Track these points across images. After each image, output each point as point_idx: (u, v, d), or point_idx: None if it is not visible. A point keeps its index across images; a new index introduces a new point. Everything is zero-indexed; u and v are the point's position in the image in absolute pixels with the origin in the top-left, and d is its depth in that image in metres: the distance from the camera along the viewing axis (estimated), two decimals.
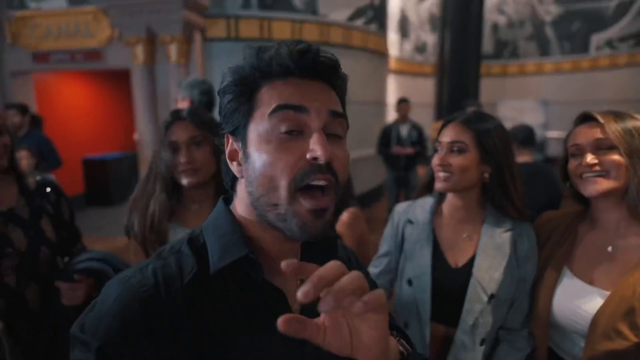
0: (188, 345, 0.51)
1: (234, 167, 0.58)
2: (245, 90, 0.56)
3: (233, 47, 4.67)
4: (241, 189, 0.58)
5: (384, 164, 4.75)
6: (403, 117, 4.59)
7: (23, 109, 3.69)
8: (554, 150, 9.51)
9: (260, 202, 0.54)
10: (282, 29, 4.76)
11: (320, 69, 0.56)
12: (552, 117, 9.72)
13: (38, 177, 1.34)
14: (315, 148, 0.51)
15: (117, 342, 0.48)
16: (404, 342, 0.60)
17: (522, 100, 10.14)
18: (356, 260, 0.75)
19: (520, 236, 1.07)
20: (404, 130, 4.52)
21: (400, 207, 1.21)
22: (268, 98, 0.54)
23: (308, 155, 0.51)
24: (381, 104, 6.64)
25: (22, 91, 5.13)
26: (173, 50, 4.46)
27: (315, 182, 0.52)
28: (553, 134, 9.64)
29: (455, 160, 1.03)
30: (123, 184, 6.31)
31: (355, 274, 0.43)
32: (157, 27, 4.42)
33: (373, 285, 0.73)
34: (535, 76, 10.61)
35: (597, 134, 0.92)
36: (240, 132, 0.56)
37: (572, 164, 0.98)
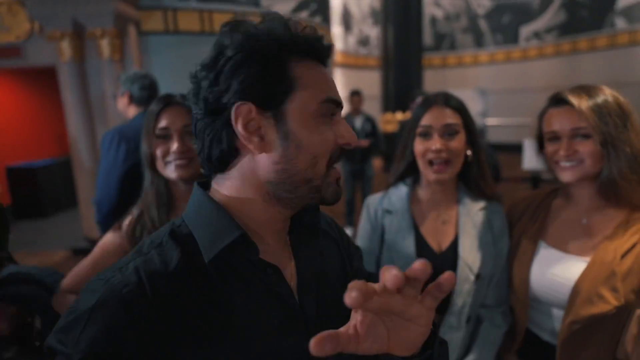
0: (184, 341, 0.49)
1: (251, 140, 0.53)
2: (279, 64, 0.54)
3: (172, 41, 4.40)
4: (247, 166, 0.55)
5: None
6: (356, 109, 4.59)
7: None
8: (494, 136, 10.07)
9: (294, 179, 0.54)
10: (223, 21, 4.55)
11: (329, 57, 0.60)
12: (489, 106, 10.27)
13: None
14: (348, 136, 0.57)
15: (103, 352, 0.45)
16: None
17: (462, 90, 10.62)
18: (336, 226, 0.76)
19: (493, 214, 1.08)
20: (358, 122, 4.53)
21: (373, 199, 1.16)
22: (314, 82, 0.55)
23: (340, 140, 0.56)
24: None
25: None
26: (105, 45, 4.10)
27: (336, 164, 0.58)
28: (491, 121, 10.20)
29: (453, 144, 1.00)
30: (56, 192, 5.78)
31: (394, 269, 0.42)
32: (85, 20, 4.04)
33: (357, 250, 0.77)
34: (473, 67, 11.17)
35: (573, 122, 0.93)
36: (272, 105, 0.54)
37: (549, 148, 0.99)
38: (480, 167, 1.07)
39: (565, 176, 0.96)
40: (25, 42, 4.28)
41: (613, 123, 0.90)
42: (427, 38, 10.92)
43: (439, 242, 1.06)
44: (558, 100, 0.98)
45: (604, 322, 0.89)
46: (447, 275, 0.43)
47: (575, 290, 0.92)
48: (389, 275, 0.40)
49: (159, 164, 1.00)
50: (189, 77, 0.56)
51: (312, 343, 0.39)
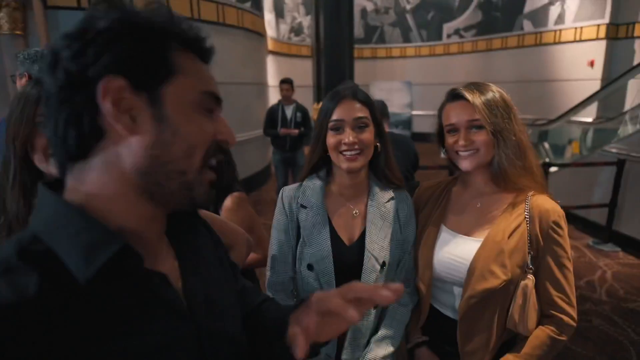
0: None
1: (120, 121, 0.47)
2: (159, 44, 0.51)
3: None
4: (112, 151, 0.48)
5: (272, 145, 4.71)
6: (285, 97, 4.57)
7: None
8: (419, 126, 10.64)
9: (166, 168, 0.50)
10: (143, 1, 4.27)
11: (210, 54, 0.57)
12: (415, 97, 10.82)
13: None
14: (226, 133, 0.56)
15: None
16: None
17: (391, 81, 11.05)
18: (210, 229, 0.73)
19: (400, 203, 1.14)
20: (289, 111, 4.52)
21: (288, 192, 1.16)
22: (195, 72, 0.53)
23: (219, 137, 0.54)
24: (262, 84, 6.53)
25: None
26: (3, 18, 3.65)
27: (212, 162, 0.55)
28: (417, 112, 10.76)
29: (364, 136, 1.04)
30: None
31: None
32: None
33: (231, 265, 0.74)
34: (400, 59, 11.65)
35: (469, 114, 1.03)
36: (148, 86, 0.49)
37: (449, 140, 1.08)
38: (387, 157, 1.13)
39: (465, 164, 1.06)
40: None
41: (500, 115, 1.01)
42: (358, 30, 11.16)
43: (349, 235, 1.11)
44: (454, 96, 1.07)
45: (495, 295, 1.00)
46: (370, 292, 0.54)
47: (471, 268, 1.03)
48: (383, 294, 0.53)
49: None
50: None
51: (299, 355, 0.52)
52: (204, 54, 0.56)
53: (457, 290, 1.08)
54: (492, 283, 0.99)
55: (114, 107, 0.46)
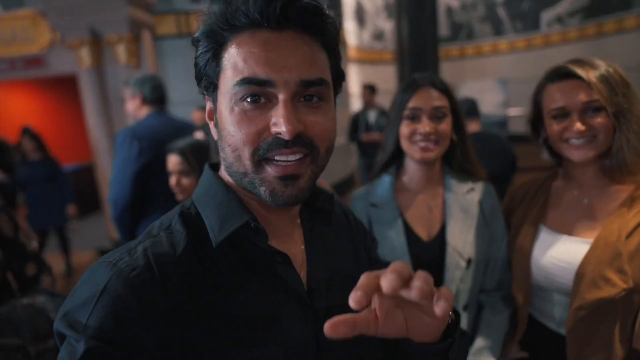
0: (190, 325, 0.48)
1: (212, 128, 0.55)
2: (212, 44, 0.51)
3: (186, 43, 4.47)
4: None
5: (357, 151, 4.74)
6: (367, 103, 4.56)
7: None
8: (515, 127, 9.79)
9: (233, 170, 0.52)
10: None
11: (294, 17, 0.48)
12: (511, 96, 9.99)
13: None
14: (279, 122, 0.48)
15: (112, 336, 0.43)
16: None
17: (482, 80, 10.38)
18: (354, 217, 0.73)
19: (482, 194, 1.04)
20: (372, 116, 4.50)
21: (359, 193, 1.14)
22: (234, 60, 0.49)
23: (272, 129, 0.48)
24: (344, 93, 6.59)
25: None
26: (121, 51, 4.21)
27: (279, 157, 0.49)
28: (513, 111, 9.93)
29: (441, 127, 0.98)
30: (81, 197, 5.97)
31: (398, 268, 0.41)
32: (101, 27, 4.16)
33: (373, 241, 0.74)
34: (492, 56, 10.88)
35: (585, 95, 0.87)
36: (211, 93, 0.53)
37: (555, 127, 0.93)
38: (465, 151, 1.04)
39: (579, 154, 0.90)
40: (47, 52, 4.44)
41: (622, 93, 0.85)
42: (443, 29, 10.72)
43: (427, 230, 1.03)
44: (562, 74, 0.92)
45: (612, 307, 0.84)
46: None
47: (579, 274, 0.88)
48: (385, 280, 0.40)
49: None
50: None
51: (327, 325, 0.40)
52: (265, 20, 0.48)
53: (560, 298, 0.94)
54: (608, 292, 0.83)
55: (208, 117, 0.56)
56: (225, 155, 0.52)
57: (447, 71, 9.44)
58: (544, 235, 0.99)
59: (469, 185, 1.05)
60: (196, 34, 0.52)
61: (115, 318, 0.44)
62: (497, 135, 2.70)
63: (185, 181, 1.50)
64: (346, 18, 7.60)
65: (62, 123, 6.82)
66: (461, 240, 0.99)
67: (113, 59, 4.28)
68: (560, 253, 0.94)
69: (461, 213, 1.02)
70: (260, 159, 0.49)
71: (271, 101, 0.49)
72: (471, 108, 2.73)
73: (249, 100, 0.48)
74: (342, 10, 6.53)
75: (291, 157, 0.49)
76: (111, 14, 4.06)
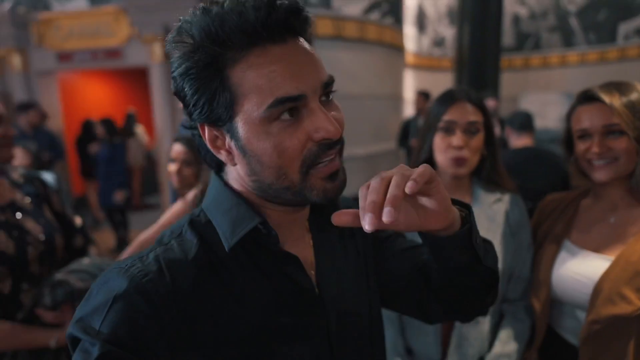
0: (202, 330, 0.49)
1: (222, 155, 0.54)
2: (213, 74, 0.48)
3: None
4: (235, 172, 0.55)
5: (406, 157, 4.74)
6: (420, 110, 4.54)
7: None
8: None
9: (273, 189, 0.52)
10: None
11: (294, 24, 0.49)
12: None
13: (22, 171, 1.31)
14: (324, 127, 0.48)
15: (125, 340, 0.45)
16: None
17: (546, 93, 9.86)
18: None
19: (510, 205, 1.06)
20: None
21: None
22: (256, 84, 0.47)
23: (316, 136, 0.48)
24: (398, 98, 6.57)
25: (48, 90, 5.31)
26: (158, 49, 4.55)
27: (327, 159, 0.50)
28: None
29: (473, 142, 1.01)
30: (143, 180, 6.45)
31: (398, 173, 0.45)
32: (173, 25, 4.48)
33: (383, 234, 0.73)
34: (559, 68, 10.29)
35: (605, 119, 0.90)
36: (225, 124, 0.51)
37: (580, 147, 0.97)
38: (495, 165, 1.07)
39: (599, 175, 0.93)
40: (125, 45, 4.86)
41: None
42: (508, 38, 10.31)
43: None
44: (587, 98, 0.95)
45: (626, 325, 0.86)
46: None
47: (597, 289, 0.90)
48: (406, 186, 0.43)
49: None
50: None
51: (333, 215, 0.46)
52: (269, 35, 0.46)
53: (578, 312, 0.96)
54: (623, 309, 0.85)
55: (213, 147, 0.53)
56: (264, 177, 0.51)
57: (508, 81, 9.07)
58: (567, 249, 1.01)
59: (496, 195, 1.07)
60: (177, 72, 0.49)
61: (128, 323, 0.45)
62: (550, 151, 2.62)
63: (186, 171, 1.59)
64: (406, 23, 7.57)
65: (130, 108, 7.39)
66: None
67: None
68: (581, 268, 0.95)
69: (486, 222, 1.04)
70: (308, 169, 0.50)
71: (300, 111, 0.49)
72: (525, 121, 2.67)
73: (284, 117, 0.48)
74: (402, 15, 6.53)
75: (333, 157, 0.51)
76: (182, 13, 4.36)
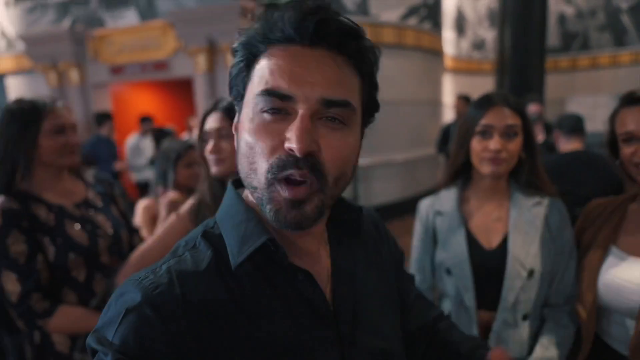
0: (211, 343, 0.48)
1: (236, 139, 0.54)
2: (248, 55, 0.51)
3: None
4: None
5: (446, 162, 4.67)
6: (459, 114, 4.47)
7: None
8: None
9: (247, 182, 0.51)
10: None
11: (327, 36, 0.48)
12: None
13: (94, 173, 1.44)
14: (292, 137, 0.45)
15: (134, 353, 0.45)
16: None
17: (595, 95, 9.37)
18: (383, 227, 0.72)
19: (550, 209, 1.05)
20: None
21: (425, 202, 1.21)
22: (262, 71, 0.49)
23: (285, 144, 0.46)
24: (436, 103, 6.49)
25: (101, 101, 5.68)
26: (201, 61, 4.75)
27: (291, 177, 0.47)
28: None
29: (511, 146, 1.02)
30: None
31: None
32: (217, 37, 4.70)
33: (401, 255, 0.74)
34: (610, 69, 9.76)
35: None
36: (238, 102, 0.54)
37: (626, 151, 0.95)
38: (534, 167, 1.06)
39: None
40: (171, 57, 5.13)
41: None
42: (554, 38, 9.90)
43: (489, 239, 1.07)
44: (633, 100, 0.93)
45: None
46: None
47: None
48: None
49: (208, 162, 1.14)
50: None
51: None
52: (298, 35, 0.48)
53: (626, 319, 0.93)
54: None
55: (234, 130, 0.55)
56: (242, 166, 0.51)
57: (554, 84, 8.71)
58: (614, 255, 0.98)
59: (535, 199, 1.06)
60: (235, 44, 0.53)
61: (138, 335, 0.45)
62: (601, 155, 2.51)
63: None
64: (445, 27, 7.47)
65: (177, 119, 7.74)
66: (523, 251, 1.02)
67: (225, 65, 4.79)
68: (629, 274, 0.93)
69: (525, 225, 1.03)
70: (273, 178, 0.47)
71: (290, 114, 0.48)
72: (575, 125, 2.56)
73: (269, 112, 0.48)
74: (440, 19, 6.45)
75: (297, 178, 0.47)
76: (225, 25, 4.57)
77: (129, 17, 5.24)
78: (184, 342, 0.47)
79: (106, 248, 1.28)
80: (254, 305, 0.51)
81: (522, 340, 1.04)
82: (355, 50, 0.50)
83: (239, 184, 0.59)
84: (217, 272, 0.51)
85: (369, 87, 0.54)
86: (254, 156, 0.49)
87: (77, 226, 1.22)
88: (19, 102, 1.21)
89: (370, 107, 0.55)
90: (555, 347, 1.01)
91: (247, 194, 0.56)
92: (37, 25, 5.56)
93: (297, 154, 0.45)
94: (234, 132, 0.56)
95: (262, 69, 0.49)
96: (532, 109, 3.50)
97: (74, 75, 5.42)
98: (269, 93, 0.47)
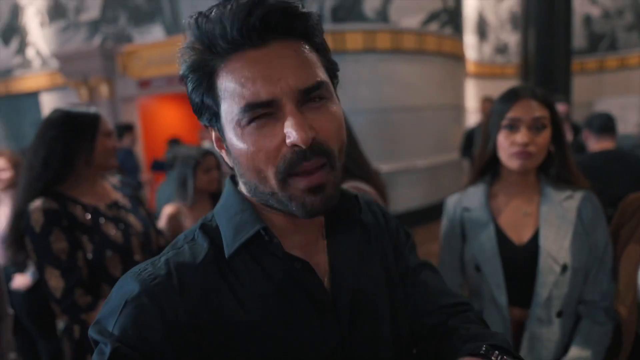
0: (209, 333, 0.49)
1: (224, 155, 0.56)
2: (203, 76, 0.50)
3: None
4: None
5: (470, 167, 4.60)
6: (485, 116, 4.41)
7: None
8: None
9: (258, 192, 0.52)
10: (354, 40, 4.87)
11: (276, 26, 0.48)
12: None
13: (119, 177, 1.53)
14: (291, 133, 0.46)
15: (133, 342, 0.46)
16: None
17: (625, 96, 9.06)
18: (383, 213, 0.69)
19: (582, 202, 1.02)
20: None
21: (452, 199, 1.19)
22: (231, 89, 0.48)
23: (287, 141, 0.47)
24: (459, 108, 6.41)
25: (129, 114, 5.88)
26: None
27: (304, 169, 0.47)
28: None
29: (539, 139, 1.00)
30: None
31: None
32: None
33: (407, 237, 0.69)
34: None
35: None
36: (214, 123, 0.53)
37: None
38: (565, 161, 1.03)
39: None
40: None
41: None
42: (579, 40, 9.67)
43: (520, 234, 1.05)
44: None
45: None
46: None
47: None
48: None
49: None
50: None
51: None
52: (249, 39, 0.46)
53: None
54: None
55: (217, 146, 0.56)
56: (248, 179, 0.51)
57: (582, 86, 8.48)
58: None
59: (567, 193, 1.03)
60: (181, 71, 0.52)
61: (136, 325, 0.46)
62: (634, 154, 2.42)
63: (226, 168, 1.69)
64: (466, 32, 7.40)
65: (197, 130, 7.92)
66: (556, 246, 0.99)
67: None
68: None
69: (557, 219, 1.01)
70: (284, 177, 0.48)
71: (276, 113, 0.48)
72: (605, 123, 2.49)
73: (255, 123, 0.48)
74: (462, 24, 6.41)
75: (310, 169, 0.48)
76: None
77: (156, 33, 5.43)
78: (182, 331, 0.48)
79: (139, 246, 1.33)
80: (251, 295, 0.51)
81: (557, 338, 1.00)
82: (303, 30, 0.50)
83: (235, 179, 0.60)
84: (213, 262, 0.52)
85: (324, 53, 0.54)
86: (258, 165, 0.49)
87: (112, 225, 1.28)
88: (64, 111, 1.28)
89: (332, 70, 0.55)
90: (592, 345, 0.98)
91: (241, 189, 0.57)
92: (70, 43, 5.83)
93: (302, 145, 0.46)
94: (217, 149, 0.56)
95: (229, 85, 0.48)
96: (559, 109, 3.41)
97: (103, 89, 5.64)
98: (252, 107, 0.47)
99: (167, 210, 1.90)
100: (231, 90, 0.48)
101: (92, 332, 0.49)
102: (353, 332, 0.55)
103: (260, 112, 0.47)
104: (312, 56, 0.51)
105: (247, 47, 0.47)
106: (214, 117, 0.52)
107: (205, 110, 0.52)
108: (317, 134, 0.48)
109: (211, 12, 0.48)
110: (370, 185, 1.29)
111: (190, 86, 0.52)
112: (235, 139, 0.49)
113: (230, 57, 0.48)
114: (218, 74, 0.49)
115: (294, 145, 0.46)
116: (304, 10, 0.49)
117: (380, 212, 0.69)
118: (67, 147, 1.23)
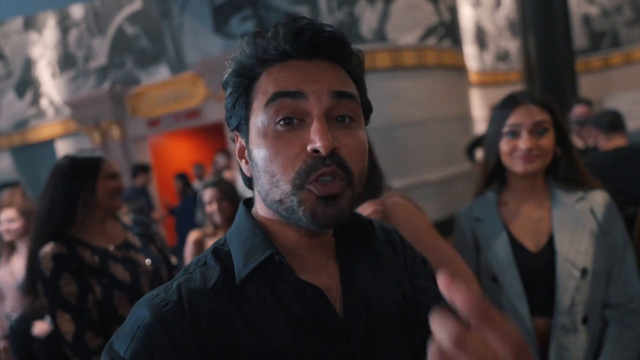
0: (218, 357, 0.48)
1: (243, 165, 0.56)
2: (243, 80, 0.53)
3: None
4: (257, 192, 0.57)
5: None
6: None
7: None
8: None
9: (269, 200, 0.52)
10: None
11: (322, 46, 0.51)
12: None
13: (131, 216, 1.56)
14: (315, 138, 0.47)
15: None
16: None
17: (634, 91, 8.94)
18: (400, 239, 0.68)
19: (596, 203, 0.99)
20: None
21: (462, 210, 1.18)
22: (265, 86, 0.51)
23: (309, 147, 0.48)
24: (466, 118, 6.39)
25: (141, 153, 6.00)
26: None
27: (323, 175, 0.48)
28: None
29: (543, 142, 0.99)
30: None
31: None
32: None
33: (424, 266, 0.66)
34: None
35: None
36: (242, 127, 0.54)
37: None
38: (572, 162, 1.02)
39: None
40: (203, 105, 5.39)
41: None
42: (580, 40, 9.65)
43: (534, 241, 1.02)
44: None
45: None
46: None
47: None
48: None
49: None
50: None
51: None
52: (295, 50, 0.50)
53: None
54: None
55: (239, 157, 0.57)
56: (261, 185, 0.52)
57: (588, 85, 8.40)
58: None
59: (578, 194, 1.01)
60: (224, 77, 0.54)
61: (147, 350, 0.47)
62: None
63: (224, 204, 1.88)
64: (466, 43, 7.45)
65: (210, 162, 8.03)
66: (573, 250, 0.96)
67: None
68: None
69: (571, 222, 0.98)
70: (302, 182, 0.48)
71: (305, 121, 0.49)
72: (613, 121, 2.45)
73: (282, 123, 0.49)
74: (459, 37, 6.46)
75: (328, 177, 0.48)
76: None
77: (162, 73, 5.60)
78: (193, 357, 0.48)
79: (148, 284, 1.34)
80: (262, 321, 0.51)
81: (585, 346, 0.96)
82: (347, 57, 0.54)
83: (250, 203, 0.61)
84: (224, 287, 0.52)
85: (362, 90, 0.56)
86: (274, 169, 0.49)
87: (120, 266, 1.30)
88: (69, 157, 1.33)
89: (367, 108, 0.58)
90: (623, 350, 0.93)
91: (256, 211, 0.58)
92: (81, 90, 6.05)
93: (323, 152, 0.47)
94: (238, 159, 0.57)
95: (264, 85, 0.51)
96: (578, 110, 3.31)
97: (115, 132, 5.79)
98: (277, 95, 0.49)
99: (192, 236, 1.95)
100: (264, 88, 0.50)
101: (105, 357, 0.50)
102: (366, 357, 0.53)
103: (285, 104, 0.48)
104: (351, 82, 0.54)
105: (292, 58, 0.51)
106: (242, 120, 0.53)
107: (236, 113, 0.54)
108: (339, 148, 0.49)
109: (267, 32, 0.52)
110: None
111: (228, 90, 0.54)
112: (259, 140, 0.50)
113: (275, 65, 0.51)
114: (259, 79, 0.52)
115: (314, 150, 0.47)
116: (348, 40, 0.53)
117: (397, 237, 0.68)
118: (68, 191, 1.26)
